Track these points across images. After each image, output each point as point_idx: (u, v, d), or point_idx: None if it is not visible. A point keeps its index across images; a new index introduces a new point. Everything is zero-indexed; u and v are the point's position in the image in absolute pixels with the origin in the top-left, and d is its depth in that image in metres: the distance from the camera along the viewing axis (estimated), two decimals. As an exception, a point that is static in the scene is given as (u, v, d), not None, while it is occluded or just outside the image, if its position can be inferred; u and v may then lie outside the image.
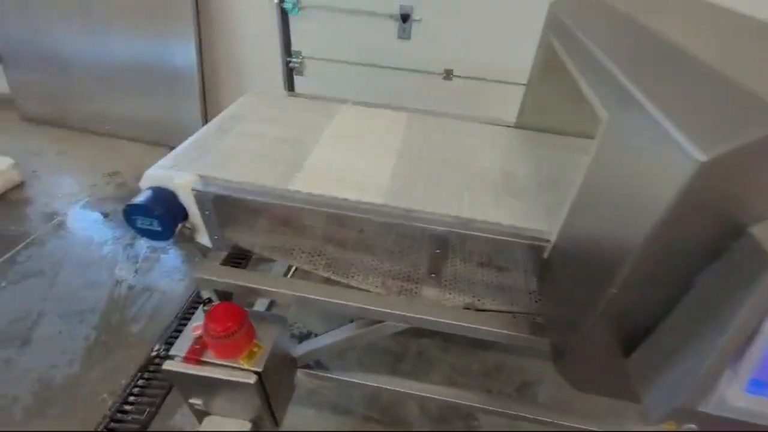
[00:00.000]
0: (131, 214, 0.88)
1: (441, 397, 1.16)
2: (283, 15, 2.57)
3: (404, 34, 2.56)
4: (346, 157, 1.03)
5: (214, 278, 0.93)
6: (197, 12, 2.49)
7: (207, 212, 0.92)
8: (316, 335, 1.17)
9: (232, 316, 0.84)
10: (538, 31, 1.21)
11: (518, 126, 1.26)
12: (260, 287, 0.91)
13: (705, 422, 0.53)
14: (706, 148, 0.41)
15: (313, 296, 0.91)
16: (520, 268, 0.95)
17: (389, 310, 0.89)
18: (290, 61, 2.75)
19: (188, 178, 0.89)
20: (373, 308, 0.89)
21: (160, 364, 1.53)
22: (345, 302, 0.89)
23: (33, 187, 2.32)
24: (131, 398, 1.40)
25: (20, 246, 1.94)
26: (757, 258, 0.43)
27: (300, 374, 1.16)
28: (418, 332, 1.72)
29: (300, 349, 1.10)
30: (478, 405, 1.17)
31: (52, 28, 2.66)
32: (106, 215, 2.19)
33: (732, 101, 0.45)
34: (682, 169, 0.43)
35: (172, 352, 0.88)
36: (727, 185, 0.43)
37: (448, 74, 2.68)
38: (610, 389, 0.65)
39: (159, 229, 0.89)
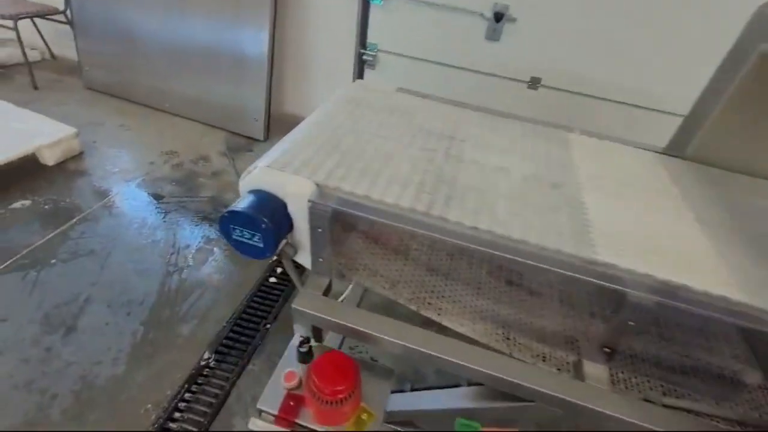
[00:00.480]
0: (230, 222, 0.69)
1: None
2: (365, 3, 2.39)
3: (494, 35, 2.33)
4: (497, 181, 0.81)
5: (318, 314, 0.73)
6: (275, 1, 2.34)
7: (319, 230, 0.72)
8: (412, 386, 0.95)
9: (344, 375, 0.64)
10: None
11: (689, 158, 1.01)
12: (381, 336, 0.70)
13: None
14: None
15: (445, 357, 0.69)
16: (737, 356, 0.71)
17: (546, 391, 0.67)
18: (364, 53, 2.56)
19: (305, 186, 0.70)
20: (527, 386, 0.67)
21: (209, 376, 1.37)
22: (486, 370, 0.67)
23: (91, 159, 2.23)
24: (176, 414, 1.24)
25: (74, 220, 1.84)
26: None
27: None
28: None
29: (393, 403, 0.89)
30: None
31: (127, 6, 2.59)
32: (161, 198, 2.06)
33: None
34: None
35: (260, 406, 0.69)
36: None
37: (534, 83, 2.42)
38: None
39: (261, 245, 0.70)
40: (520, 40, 2.32)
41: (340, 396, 0.63)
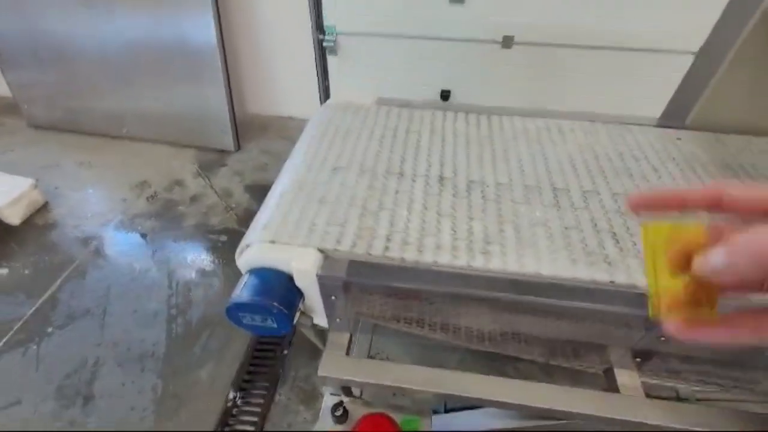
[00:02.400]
0: (237, 312, 0.66)
1: None
2: (313, -16, 2.21)
3: (456, -1, 2.19)
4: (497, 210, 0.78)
5: (345, 377, 0.72)
6: (213, -11, 2.12)
7: (333, 298, 0.69)
8: (445, 406, 0.96)
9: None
10: None
11: (691, 127, 0.98)
12: (411, 387, 0.70)
13: None
14: None
15: (479, 396, 0.69)
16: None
17: (572, 410, 0.68)
18: (323, 39, 2.40)
19: (310, 259, 0.66)
20: (561, 409, 0.68)
21: (237, 415, 1.38)
22: (530, 404, 0.68)
23: (59, 208, 2.10)
24: (217, 462, 1.25)
25: (59, 281, 1.75)
26: None
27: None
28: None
29: (434, 425, 0.90)
30: None
31: (50, 21, 2.33)
32: (143, 236, 1.98)
33: None
34: None
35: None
36: None
37: (508, 42, 2.31)
38: None
39: (274, 326, 0.67)
40: (485, 1, 2.19)
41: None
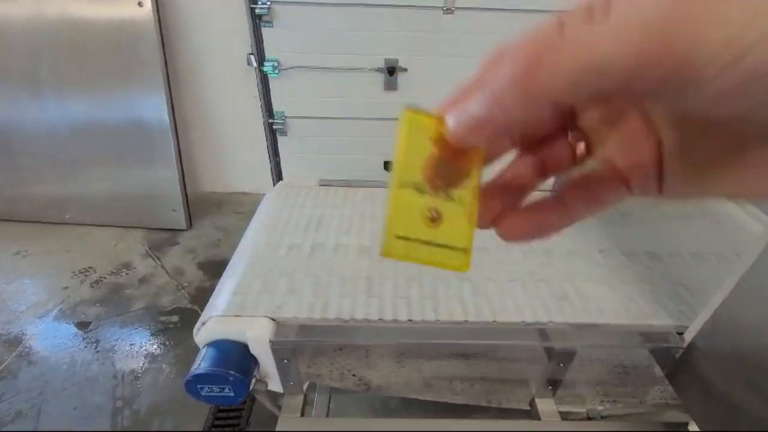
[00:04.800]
0: (196, 384, 0.71)
1: None
2: (263, 77, 2.46)
3: (391, 86, 2.54)
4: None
5: (303, 439, 0.77)
6: (167, 77, 2.30)
7: (285, 361, 0.76)
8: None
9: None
10: None
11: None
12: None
13: None
14: None
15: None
16: (646, 366, 0.88)
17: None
18: (273, 123, 2.62)
19: (263, 328, 0.74)
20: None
21: None
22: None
23: (-11, 303, 1.97)
24: None
25: (-15, 384, 1.61)
26: None
27: None
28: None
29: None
30: None
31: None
32: (87, 325, 1.89)
33: None
34: None
35: None
36: None
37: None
38: None
39: (232, 394, 0.72)
40: (416, 86, 2.56)
41: None
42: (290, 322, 0.77)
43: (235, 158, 2.85)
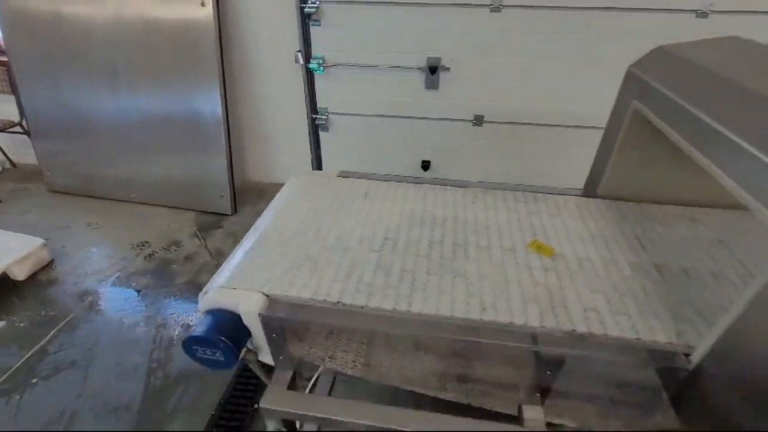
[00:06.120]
0: (192, 345, 0.78)
1: None
2: (309, 74, 2.58)
3: (432, 85, 2.53)
4: (428, 257, 0.93)
5: (284, 409, 0.81)
6: (223, 72, 2.49)
7: (274, 335, 0.81)
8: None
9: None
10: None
11: (601, 195, 1.15)
12: (345, 420, 0.78)
13: None
14: None
15: (407, 429, 0.77)
16: (646, 386, 0.81)
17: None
18: (316, 118, 2.73)
19: (255, 301, 0.79)
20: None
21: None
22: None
23: (62, 266, 2.27)
24: None
25: (51, 334, 1.85)
26: None
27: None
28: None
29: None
30: None
31: (79, 97, 2.69)
32: (138, 291, 2.10)
33: None
34: None
35: None
36: None
37: (479, 120, 2.62)
38: None
39: (222, 359, 0.78)
40: (458, 85, 2.53)
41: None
42: (282, 299, 0.81)
43: (280, 151, 3.00)
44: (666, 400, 0.74)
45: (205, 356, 0.79)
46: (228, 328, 0.78)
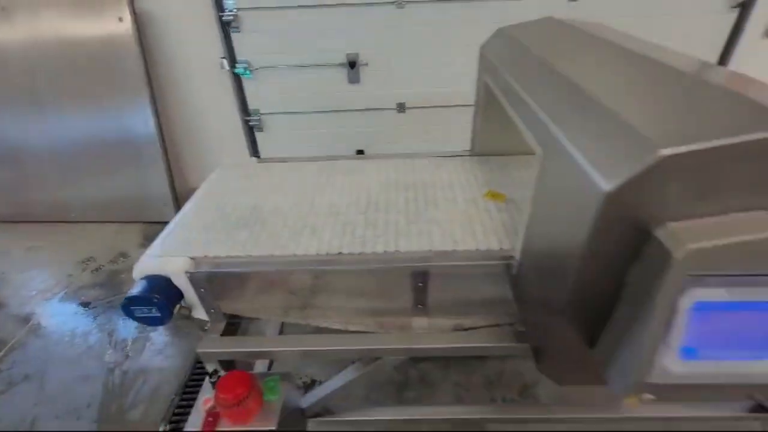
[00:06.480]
0: (129, 305, 0.92)
1: (449, 416, 1.23)
2: (236, 79, 2.70)
3: (354, 79, 2.73)
4: (319, 214, 1.12)
5: (217, 350, 0.98)
6: (150, 85, 2.56)
7: (202, 290, 0.97)
8: (320, 382, 1.21)
9: (241, 383, 0.89)
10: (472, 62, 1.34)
11: (473, 153, 1.40)
12: (262, 350, 0.97)
13: (659, 391, 0.63)
14: (609, 181, 0.54)
15: (316, 348, 0.97)
16: (497, 285, 1.05)
17: (388, 346, 0.97)
18: (249, 120, 2.85)
19: (180, 262, 0.95)
20: (373, 347, 0.96)
21: (169, 447, 1.51)
22: (346, 347, 0.96)
23: (4, 290, 2.26)
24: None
25: (1, 354, 1.88)
26: (662, 253, 0.54)
27: (312, 424, 1.20)
28: (417, 358, 1.78)
29: (307, 400, 1.14)
30: (486, 416, 1.24)
31: (2, 126, 2.65)
32: (86, 305, 2.15)
33: (626, 141, 0.57)
34: (596, 197, 0.55)
35: (187, 429, 0.91)
36: (631, 202, 0.55)
37: (401, 107, 2.86)
38: (583, 378, 0.75)
39: (158, 314, 0.94)
40: (378, 78, 2.75)
41: (241, 397, 0.87)
42: (204, 260, 0.98)
43: (219, 155, 3.08)
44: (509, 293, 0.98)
45: (142, 315, 0.94)
46: (159, 287, 0.94)
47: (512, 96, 0.96)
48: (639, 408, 1.20)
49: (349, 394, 1.61)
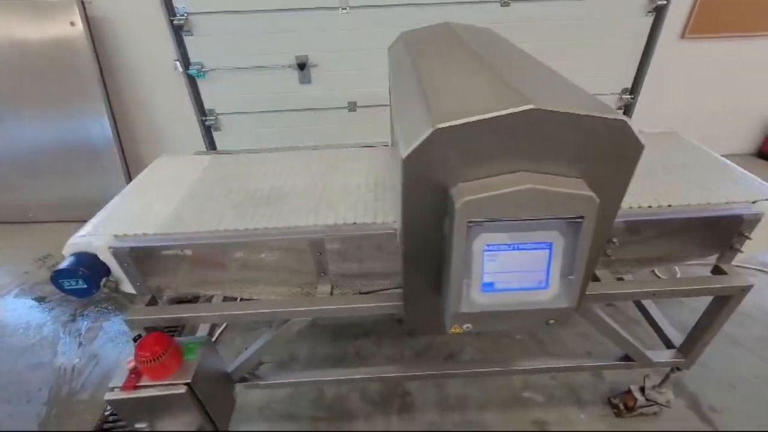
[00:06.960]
0: (57, 278, 1.04)
1: (378, 375, 1.38)
2: (191, 80, 2.80)
3: (305, 79, 2.87)
4: (234, 200, 1.26)
5: (140, 317, 1.10)
6: (105, 88, 2.64)
7: (126, 264, 1.10)
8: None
9: (158, 342, 1.02)
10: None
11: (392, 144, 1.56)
12: (180, 316, 1.10)
13: (472, 320, 0.80)
14: (405, 150, 0.70)
15: (228, 312, 1.11)
16: (391, 253, 1.20)
17: (292, 309, 1.11)
18: (206, 120, 2.96)
19: (105, 239, 1.07)
20: (279, 310, 1.11)
21: (114, 422, 1.62)
22: (253, 311, 1.10)
23: (-41, 288, 2.31)
24: (91, 458, 1.48)
25: (-47, 347, 1.94)
26: (452, 206, 0.71)
27: (240, 388, 1.33)
28: (354, 335, 1.93)
29: (232, 364, 1.28)
30: (411, 374, 1.39)
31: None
32: (42, 299, 2.22)
33: (423, 122, 0.73)
34: (401, 163, 0.71)
35: (110, 385, 1.03)
36: (426, 167, 0.71)
37: (353, 106, 3.01)
38: (435, 327, 0.91)
39: (84, 286, 1.06)
40: (328, 78, 2.90)
41: (157, 354, 1.00)
42: (129, 239, 1.10)
43: (175, 153, 3.17)
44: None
45: (71, 287, 1.06)
46: (85, 262, 1.06)
47: (392, 93, 1.12)
48: (525, 361, 1.37)
49: (288, 366, 1.76)
